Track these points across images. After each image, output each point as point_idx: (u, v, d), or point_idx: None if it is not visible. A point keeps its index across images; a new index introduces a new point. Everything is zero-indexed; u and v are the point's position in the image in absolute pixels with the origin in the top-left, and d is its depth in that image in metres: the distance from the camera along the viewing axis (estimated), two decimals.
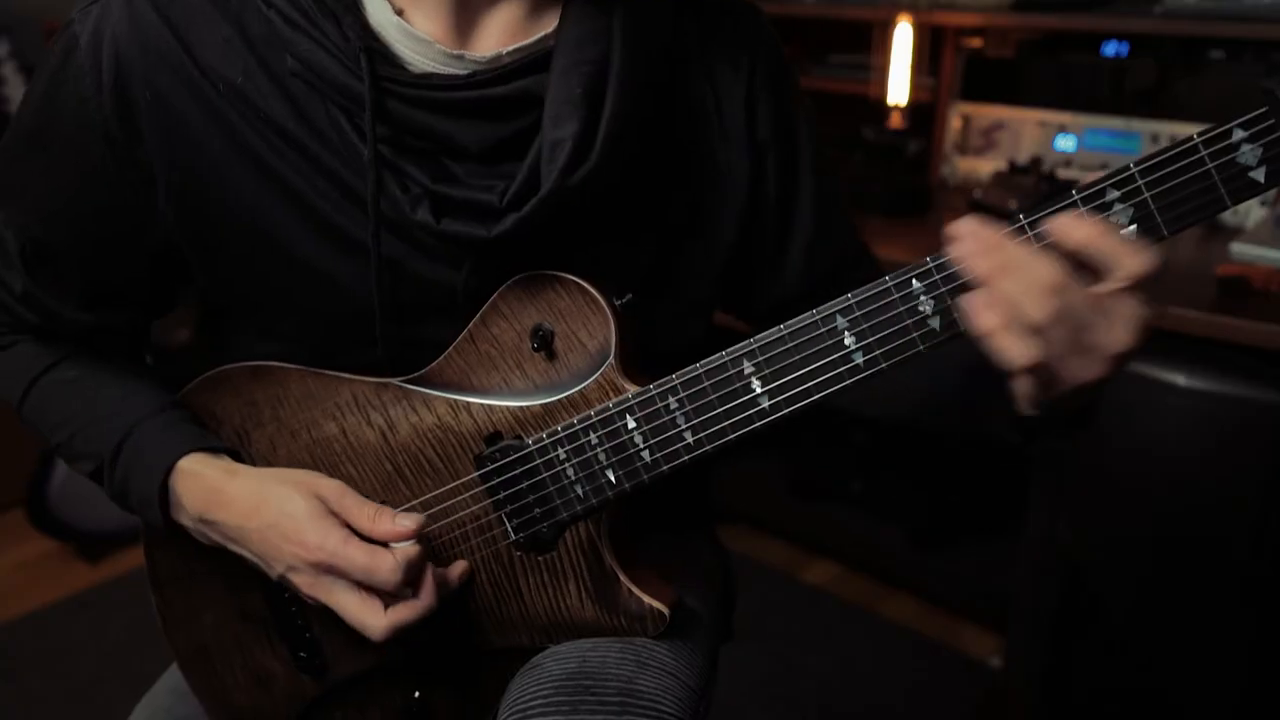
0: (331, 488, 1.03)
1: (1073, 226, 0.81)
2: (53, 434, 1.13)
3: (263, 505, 1.02)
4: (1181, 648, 2.03)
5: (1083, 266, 0.81)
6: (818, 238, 1.17)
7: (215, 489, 1.05)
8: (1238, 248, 2.09)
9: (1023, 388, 0.88)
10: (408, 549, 0.99)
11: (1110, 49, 2.61)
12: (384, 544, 1.00)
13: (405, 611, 1.00)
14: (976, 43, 2.81)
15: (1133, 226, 0.82)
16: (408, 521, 1.00)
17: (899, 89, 2.72)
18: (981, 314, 0.81)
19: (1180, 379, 1.88)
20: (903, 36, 2.67)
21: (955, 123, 2.80)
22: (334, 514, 1.01)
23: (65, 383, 1.13)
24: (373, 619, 0.99)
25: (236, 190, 1.01)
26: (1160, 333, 1.82)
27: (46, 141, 1.03)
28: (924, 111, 2.83)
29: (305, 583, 1.01)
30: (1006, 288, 0.80)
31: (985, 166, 2.75)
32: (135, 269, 1.09)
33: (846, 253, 1.22)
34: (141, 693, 1.29)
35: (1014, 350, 0.81)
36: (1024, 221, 0.84)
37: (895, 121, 2.75)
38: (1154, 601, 2.03)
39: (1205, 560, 1.96)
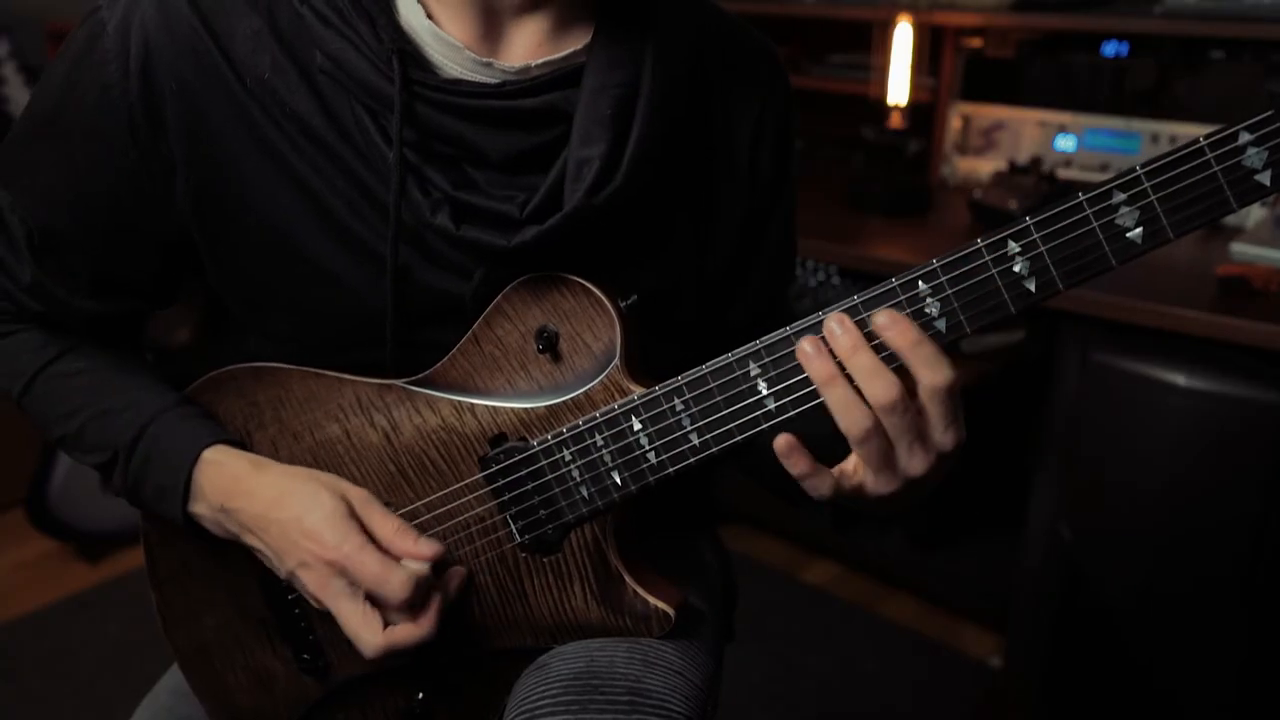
0: (358, 493, 1.03)
1: (887, 326, 0.86)
2: (58, 425, 1.13)
3: (287, 498, 1.02)
4: (1181, 648, 2.03)
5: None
6: (770, 271, 1.20)
7: (240, 479, 1.05)
8: (1238, 248, 2.09)
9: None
10: (421, 568, 1.00)
11: (1110, 49, 2.61)
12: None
13: (403, 634, 1.00)
14: (976, 43, 2.81)
15: (1139, 229, 0.82)
16: (427, 547, 1.00)
17: (899, 89, 2.71)
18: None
19: (1180, 379, 1.88)
20: (903, 36, 2.66)
21: (955, 123, 2.80)
22: (356, 518, 1.01)
23: (72, 374, 1.13)
24: (369, 634, 0.99)
25: (254, 186, 1.01)
26: (1160, 333, 1.84)
27: (65, 128, 1.02)
28: (924, 111, 2.83)
29: (314, 581, 1.00)
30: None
31: (985, 166, 2.75)
32: (146, 259, 1.09)
33: (781, 304, 1.25)
34: (142, 693, 1.29)
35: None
36: (1029, 222, 0.84)
37: (895, 121, 2.74)
38: (1154, 601, 2.03)
39: (1205, 560, 1.96)
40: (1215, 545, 1.94)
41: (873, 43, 2.81)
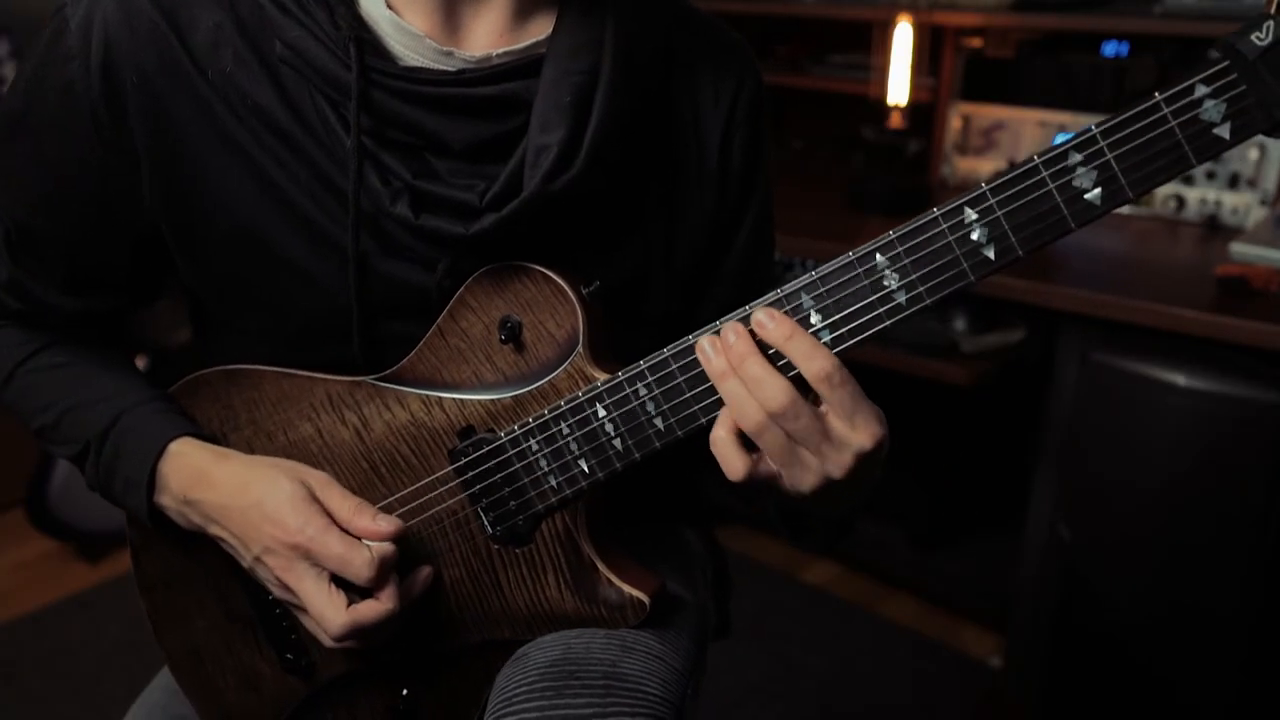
0: (318, 477, 1.04)
1: (764, 323, 0.89)
2: (35, 417, 1.14)
3: (248, 486, 1.02)
4: (1181, 647, 2.03)
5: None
6: (744, 271, 1.19)
7: (202, 470, 1.05)
8: (1238, 248, 2.09)
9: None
10: (384, 548, 1.00)
11: (1110, 49, 2.61)
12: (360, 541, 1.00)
13: (366, 612, 0.99)
14: (976, 43, 2.81)
15: (1097, 190, 0.81)
16: (385, 524, 1.01)
17: (899, 89, 2.71)
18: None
19: (1180, 379, 1.88)
20: (903, 36, 2.66)
21: (955, 123, 2.80)
22: (318, 502, 1.01)
23: (51, 368, 1.14)
24: (333, 613, 0.99)
25: (217, 180, 1.01)
26: (1160, 333, 1.84)
27: (32, 125, 1.03)
28: (924, 111, 2.82)
29: (278, 565, 1.01)
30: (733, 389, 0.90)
31: (985, 166, 2.75)
32: (120, 254, 1.09)
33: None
34: (140, 692, 1.30)
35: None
36: (985, 188, 0.83)
37: (895, 121, 2.74)
38: (1153, 601, 2.02)
39: (1205, 560, 1.95)
40: (1215, 545, 1.94)
41: (873, 43, 2.81)
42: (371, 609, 1.00)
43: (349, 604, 1.00)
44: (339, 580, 1.00)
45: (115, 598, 2.90)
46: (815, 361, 0.87)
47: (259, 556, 1.02)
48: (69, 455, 1.13)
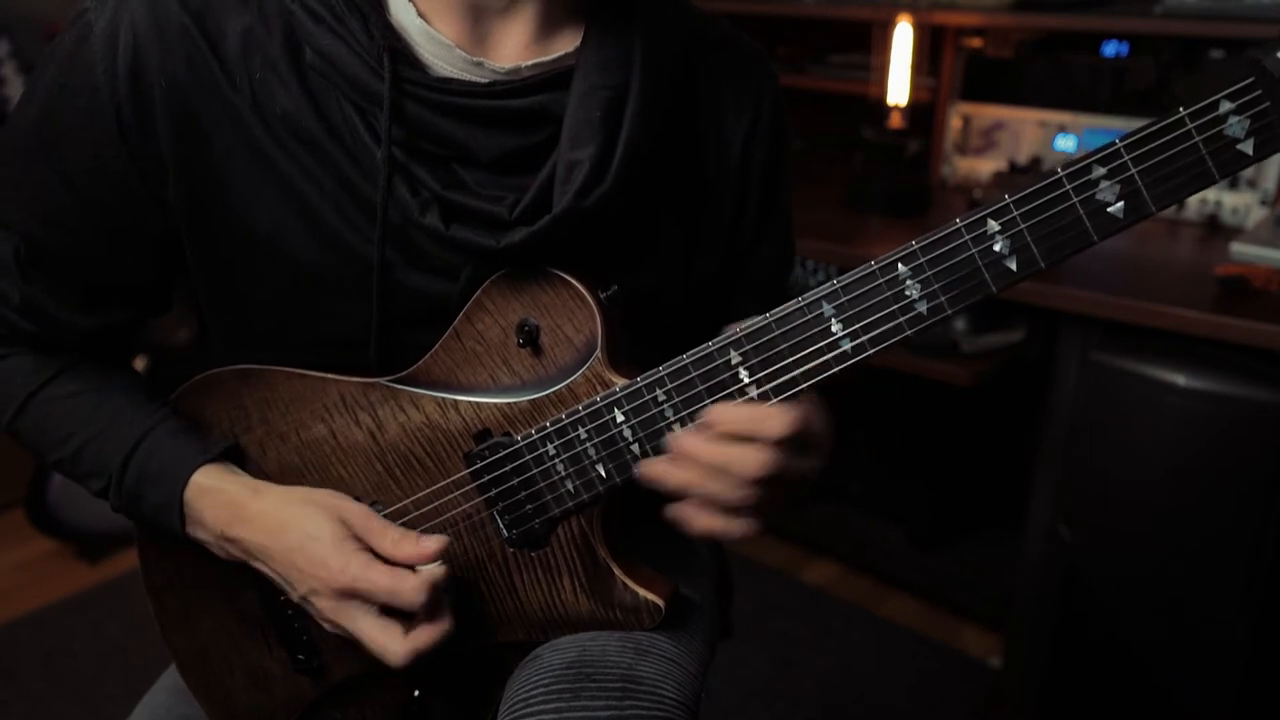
0: (356, 511, 1.03)
1: (719, 415, 0.92)
2: (52, 450, 1.11)
3: (286, 526, 1.02)
4: (1181, 648, 2.03)
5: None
6: (766, 284, 1.21)
7: (239, 506, 1.05)
8: (1238, 248, 2.09)
9: None
10: (433, 569, 1.00)
11: (1110, 49, 2.61)
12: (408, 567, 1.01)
13: (424, 637, 1.00)
14: (976, 43, 2.81)
15: (1120, 204, 0.81)
16: (431, 543, 1.00)
17: (899, 89, 2.72)
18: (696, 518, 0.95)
19: (1180, 379, 1.88)
20: (903, 36, 2.66)
21: (955, 123, 2.80)
22: (357, 538, 1.01)
23: (64, 397, 1.11)
24: (393, 645, 0.99)
25: (240, 185, 1.00)
26: (1160, 333, 1.84)
27: (54, 134, 1.01)
28: (924, 111, 2.83)
29: (327, 608, 1.01)
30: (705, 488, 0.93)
31: (985, 166, 2.75)
32: (139, 262, 1.08)
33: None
34: (141, 692, 1.30)
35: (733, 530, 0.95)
36: (1008, 200, 0.84)
37: (895, 121, 2.75)
38: (1153, 601, 2.03)
39: (1205, 560, 1.96)
40: (1215, 545, 1.94)
41: (873, 43, 2.81)
42: (428, 633, 1.00)
43: (405, 630, 1.00)
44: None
45: (115, 598, 2.89)
46: (771, 422, 0.91)
47: (305, 597, 1.02)
48: (94, 490, 1.11)
